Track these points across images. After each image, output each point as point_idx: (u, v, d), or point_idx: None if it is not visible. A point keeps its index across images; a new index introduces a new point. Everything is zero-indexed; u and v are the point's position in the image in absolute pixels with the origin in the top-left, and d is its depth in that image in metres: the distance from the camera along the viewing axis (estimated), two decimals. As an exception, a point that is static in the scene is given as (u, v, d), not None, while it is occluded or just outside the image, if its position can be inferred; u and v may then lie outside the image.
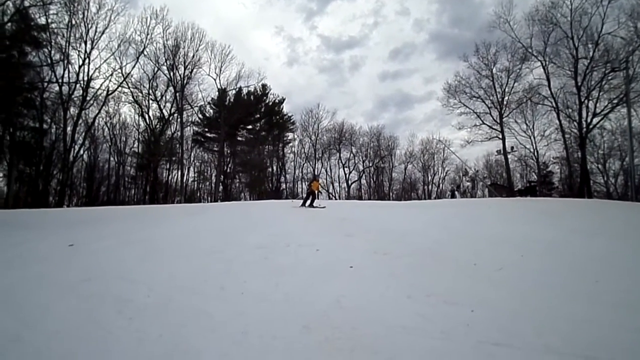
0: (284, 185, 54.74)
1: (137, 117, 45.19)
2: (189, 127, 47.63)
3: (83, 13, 34.16)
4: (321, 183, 22.65)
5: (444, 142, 53.33)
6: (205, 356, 3.81)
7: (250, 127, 55.16)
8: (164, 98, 42.87)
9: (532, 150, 42.04)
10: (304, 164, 54.91)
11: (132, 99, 41.79)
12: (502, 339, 4.03)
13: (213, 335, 4.23)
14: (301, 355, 3.82)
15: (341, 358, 3.76)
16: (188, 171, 48.96)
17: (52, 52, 33.01)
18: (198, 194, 52.71)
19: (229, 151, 52.13)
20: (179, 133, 43.31)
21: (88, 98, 35.89)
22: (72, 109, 35.36)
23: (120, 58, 37.86)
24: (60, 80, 33.67)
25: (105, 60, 36.55)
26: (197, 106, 46.53)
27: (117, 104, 43.28)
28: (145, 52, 39.10)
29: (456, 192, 47.96)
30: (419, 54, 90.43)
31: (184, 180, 44.87)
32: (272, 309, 4.99)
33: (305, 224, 12.57)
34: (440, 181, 56.45)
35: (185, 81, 41.31)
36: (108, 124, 44.70)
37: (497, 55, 38.73)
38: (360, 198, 50.36)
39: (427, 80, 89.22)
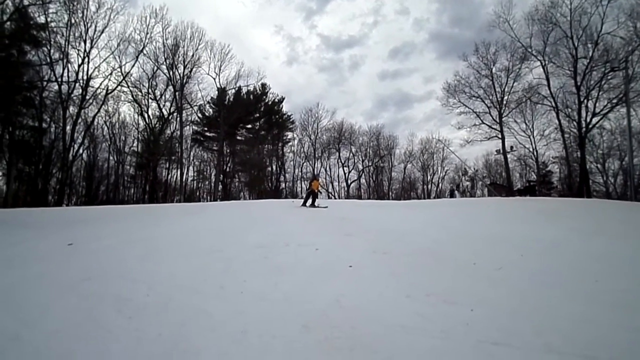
0: (283, 185, 54.79)
1: (136, 116, 45.20)
2: (188, 127, 47.58)
3: (82, 12, 34.13)
4: (321, 182, 22.36)
5: (444, 141, 53.43)
6: (204, 355, 3.81)
7: (249, 126, 55.12)
8: (163, 97, 42.81)
9: (531, 149, 42.12)
10: (303, 163, 54.95)
11: (131, 98, 41.71)
12: (501, 338, 4.04)
13: (212, 334, 4.23)
14: (301, 354, 3.83)
15: (340, 357, 3.76)
16: (187, 170, 48.89)
17: (52, 51, 32.95)
18: (197, 193, 52.63)
19: (228, 150, 52.08)
20: (179, 132, 43.21)
21: (87, 97, 35.84)
22: (71, 108, 35.34)
23: (119, 57, 37.82)
24: (59, 79, 33.62)
25: (104, 59, 36.51)
26: (196, 105, 46.47)
27: (116, 103, 43.27)
28: (144, 51, 39.05)
29: (456, 192, 47.97)
30: (418, 54, 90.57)
31: (184, 180, 44.74)
32: (271, 308, 4.99)
33: (304, 223, 12.57)
34: (440, 181, 56.52)
35: (184, 80, 41.21)
36: (107, 123, 44.67)
37: (496, 54, 38.74)
38: (359, 197, 50.40)
39: (427, 80, 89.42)
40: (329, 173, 54.58)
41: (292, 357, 3.77)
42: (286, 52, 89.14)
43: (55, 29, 32.15)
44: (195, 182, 53.63)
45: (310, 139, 54.61)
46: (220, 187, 49.59)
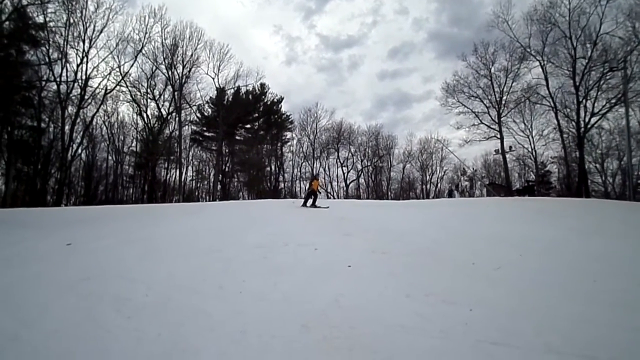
0: (282, 185, 54.74)
1: (135, 116, 45.17)
2: (187, 126, 47.59)
3: (81, 12, 34.09)
4: (320, 182, 22.19)
5: (443, 141, 53.47)
6: (204, 355, 3.81)
7: (248, 126, 55.07)
8: (162, 97, 42.77)
9: (530, 149, 42.21)
10: (302, 163, 54.91)
11: (130, 98, 41.70)
12: (500, 338, 4.05)
13: (212, 335, 4.23)
14: (300, 354, 3.83)
15: (340, 357, 3.77)
16: (186, 170, 48.97)
17: (50, 50, 32.93)
18: (196, 193, 52.59)
19: (227, 150, 52.04)
20: (177, 132, 43.17)
21: (86, 97, 35.82)
22: (70, 108, 35.29)
23: (118, 57, 37.79)
24: (58, 79, 33.58)
25: (103, 59, 36.49)
26: (195, 105, 46.43)
27: (115, 103, 43.19)
28: (143, 51, 39.01)
29: (455, 192, 47.98)
30: (417, 53, 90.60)
31: (182, 179, 44.81)
32: (270, 308, 5.00)
33: (303, 223, 12.57)
34: (439, 180, 56.56)
35: (183, 80, 41.17)
36: (106, 123, 44.59)
37: (495, 54, 38.84)
38: (358, 197, 50.36)
39: (426, 80, 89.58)
40: (328, 173, 54.61)
41: (291, 357, 3.77)
42: (285, 52, 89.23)
43: (54, 29, 32.16)
44: (194, 182, 53.66)
45: (309, 138, 54.65)
46: (219, 187, 49.58)
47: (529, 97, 37.73)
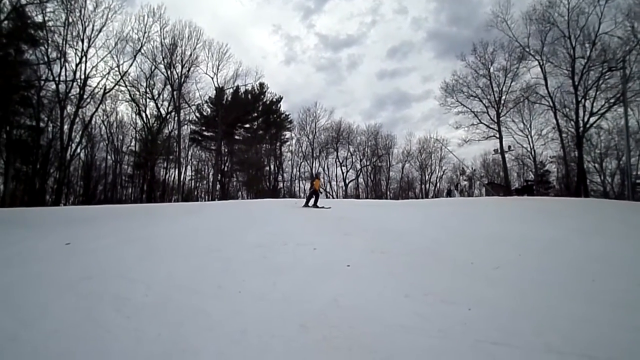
0: (281, 184, 54.75)
1: (134, 115, 45.16)
2: (186, 126, 47.58)
3: (80, 11, 33.98)
4: (321, 181, 21.97)
5: (442, 141, 53.45)
6: (203, 355, 3.81)
7: (247, 125, 55.05)
8: (161, 96, 42.79)
9: (529, 149, 42.27)
10: (301, 163, 54.92)
11: (129, 98, 41.71)
12: (500, 338, 4.05)
13: (211, 334, 4.24)
14: (299, 354, 3.83)
15: (339, 357, 3.77)
16: (185, 170, 49.01)
17: (49, 50, 32.85)
18: (195, 193, 52.56)
19: (226, 150, 52.02)
20: (176, 132, 43.17)
21: (85, 96, 35.74)
22: (69, 107, 35.22)
23: (117, 56, 37.72)
24: (57, 79, 33.51)
25: (102, 59, 36.43)
26: (194, 105, 46.39)
27: (114, 103, 43.17)
28: (142, 51, 38.94)
29: (455, 191, 48.05)
30: (416, 53, 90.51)
31: (181, 179, 44.81)
32: (270, 307, 5.00)
33: (303, 223, 12.57)
34: (438, 180, 56.61)
35: (182, 80, 41.10)
36: (105, 123, 44.58)
37: (494, 54, 38.82)
38: (357, 197, 50.35)
39: (425, 79, 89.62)
40: (327, 172, 54.60)
41: (290, 357, 3.78)
42: (284, 51, 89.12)
43: (52, 28, 32.07)
44: (193, 181, 53.65)
45: (308, 138, 54.61)
46: (218, 186, 49.57)
47: (527, 97, 37.75)
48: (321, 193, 20.09)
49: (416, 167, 56.37)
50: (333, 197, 49.01)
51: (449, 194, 41.17)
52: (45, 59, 32.55)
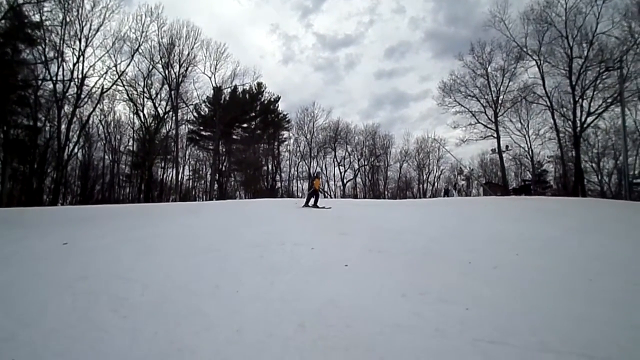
0: (279, 184, 54.77)
1: (131, 115, 45.04)
2: (184, 126, 47.59)
3: (77, 10, 33.85)
4: (321, 181, 21.64)
5: (439, 140, 53.62)
6: (200, 354, 3.81)
7: (245, 125, 55.08)
8: (158, 96, 42.70)
9: (526, 149, 42.35)
10: (299, 163, 55.02)
11: (126, 97, 41.61)
12: (498, 337, 4.06)
13: (208, 334, 4.23)
14: (296, 353, 3.83)
15: (336, 356, 3.77)
16: (183, 169, 48.93)
17: (46, 49, 32.69)
18: (193, 192, 52.54)
19: (224, 149, 52.04)
20: (174, 131, 43.13)
21: (82, 96, 35.59)
22: (66, 107, 35.04)
23: (114, 56, 37.50)
24: (54, 78, 33.36)
25: (99, 58, 36.24)
26: (192, 104, 46.31)
27: (111, 102, 43.14)
28: (140, 50, 38.76)
29: (454, 191, 48.11)
30: (414, 52, 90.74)
31: (179, 179, 44.68)
32: (267, 307, 5.00)
33: (300, 222, 12.56)
34: (436, 180, 56.67)
35: (180, 79, 41.04)
36: (102, 122, 44.57)
37: (492, 54, 38.86)
38: (355, 196, 50.40)
39: (423, 79, 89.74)
40: (324, 172, 54.61)
41: (287, 356, 3.77)
42: (282, 51, 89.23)
43: (50, 28, 31.97)
44: (190, 181, 53.61)
45: (306, 138, 54.71)
46: (216, 186, 49.57)
47: (525, 97, 37.77)
48: (321, 193, 19.75)
49: (414, 167, 56.56)
50: (331, 197, 48.99)
51: (447, 193, 41.12)
52: (43, 58, 32.44)
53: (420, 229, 11.17)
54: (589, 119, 33.32)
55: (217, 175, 50.16)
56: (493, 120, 38.96)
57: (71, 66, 34.62)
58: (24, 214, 16.26)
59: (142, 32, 38.27)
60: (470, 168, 54.37)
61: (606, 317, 4.62)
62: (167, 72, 40.93)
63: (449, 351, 3.84)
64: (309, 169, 52.61)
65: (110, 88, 38.44)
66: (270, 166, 55.23)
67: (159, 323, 4.49)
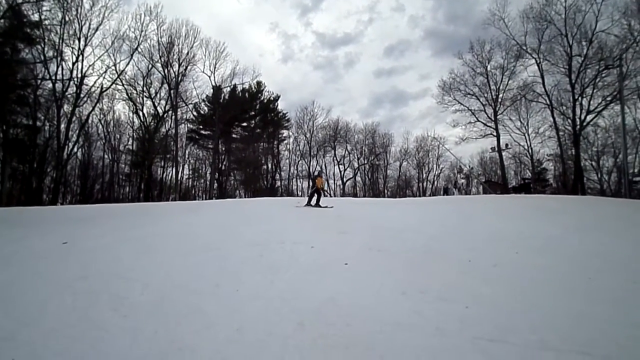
0: (279, 183, 54.79)
1: (131, 114, 45.10)
2: (183, 125, 47.59)
3: (76, 10, 33.84)
4: (323, 180, 21.20)
5: (439, 139, 53.60)
6: (200, 353, 3.81)
7: (245, 124, 55.11)
8: (158, 95, 42.71)
9: (526, 147, 42.29)
10: (299, 162, 55.07)
11: (126, 96, 41.66)
12: (497, 335, 4.06)
13: (208, 333, 4.23)
14: (296, 351, 3.83)
15: (336, 354, 3.77)
16: (182, 168, 48.95)
17: (46, 49, 32.67)
18: (193, 192, 52.55)
19: (223, 148, 52.06)
20: (174, 130, 43.19)
21: (82, 95, 35.61)
22: (65, 106, 35.03)
23: (114, 55, 37.51)
24: (53, 78, 33.36)
25: (99, 57, 36.22)
26: (191, 103, 46.31)
27: (111, 101, 43.31)
28: (139, 49, 38.80)
29: (454, 189, 48.13)
30: (413, 51, 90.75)
31: (179, 178, 44.72)
32: (267, 306, 4.99)
33: (300, 221, 12.56)
34: (435, 178, 56.72)
35: (179, 78, 41.06)
36: (102, 122, 44.64)
37: (491, 52, 38.89)
38: (355, 195, 50.42)
39: (422, 77, 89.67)
40: (324, 171, 54.60)
41: (287, 355, 3.77)
42: (281, 49, 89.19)
43: (49, 27, 31.96)
44: (190, 180, 53.63)
45: (305, 137, 54.79)
46: (216, 185, 49.59)
47: (525, 95, 37.80)
48: (323, 191, 19.43)
49: (413, 166, 56.62)
50: (330, 196, 49.00)
51: (446, 191, 41.16)
52: (42, 57, 32.42)
53: (420, 227, 11.17)
54: (589, 117, 33.46)
55: (217, 174, 50.21)
56: (493, 118, 39.01)
57: (70, 65, 34.69)
58: (24, 213, 16.27)
59: (142, 31, 38.33)
60: (469, 166, 54.41)
61: (606, 315, 4.62)
62: (166, 71, 40.96)
63: (448, 349, 3.84)
64: (309, 168, 52.69)
65: (109, 87, 38.59)
66: (269, 165, 55.33)
67: (159, 322, 4.49)
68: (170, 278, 6.22)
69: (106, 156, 46.40)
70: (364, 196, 48.78)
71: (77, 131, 38.42)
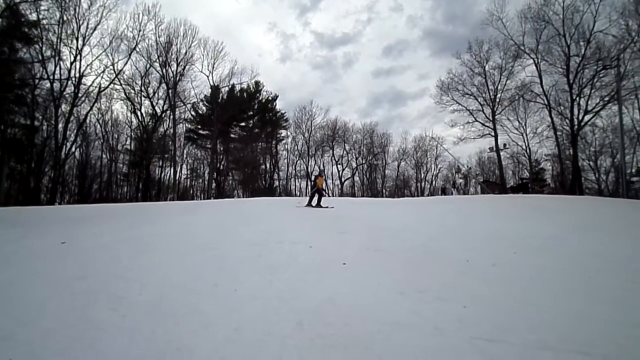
0: (277, 183, 54.77)
1: (129, 114, 45.09)
2: (181, 124, 47.52)
3: (74, 9, 33.80)
4: (324, 179, 20.97)
5: (437, 139, 53.56)
6: (198, 353, 3.81)
7: (243, 124, 55.09)
8: (156, 95, 42.63)
9: (524, 147, 42.28)
10: (297, 161, 55.10)
11: (124, 96, 41.58)
12: (496, 335, 4.06)
13: (206, 332, 4.23)
14: (294, 351, 3.83)
15: (334, 354, 3.77)
16: (181, 168, 48.88)
17: (43, 48, 32.60)
18: (191, 191, 52.55)
19: (221, 148, 52.00)
20: (172, 130, 43.17)
21: (80, 95, 35.58)
22: (63, 106, 35.05)
23: (112, 54, 37.49)
24: (51, 77, 33.30)
25: (97, 57, 36.18)
26: (189, 103, 46.24)
27: (109, 101, 43.29)
28: (137, 49, 38.73)
29: (452, 189, 48.22)
30: (412, 51, 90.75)
31: (177, 178, 44.69)
32: (265, 305, 4.99)
33: (298, 221, 12.56)
34: (433, 178, 56.78)
35: (177, 78, 41.01)
36: (100, 121, 44.62)
37: (489, 52, 38.98)
38: (353, 195, 50.45)
39: (421, 77, 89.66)
40: (323, 171, 54.60)
41: (285, 354, 3.77)
42: (280, 49, 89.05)
43: (47, 27, 31.84)
44: (188, 180, 53.59)
45: (304, 136, 54.80)
46: (214, 185, 49.53)
47: (522, 95, 37.90)
48: (324, 191, 19.19)
49: (412, 165, 56.68)
50: (329, 196, 48.99)
51: (444, 191, 41.28)
52: (40, 57, 32.37)
53: (418, 227, 11.18)
54: (587, 117, 33.53)
55: (215, 174, 50.16)
56: (491, 118, 39.05)
57: (68, 65, 34.67)
58: (22, 213, 16.24)
59: (140, 30, 38.31)
60: (468, 166, 54.46)
61: (605, 315, 4.63)
62: (164, 70, 40.94)
63: (447, 349, 3.85)
64: (307, 168, 52.76)
65: (107, 87, 38.56)
66: (268, 165, 55.34)
67: (157, 322, 4.49)
68: (169, 278, 6.22)
69: (104, 156, 46.45)
70: (362, 196, 48.79)
71: (75, 131, 38.40)
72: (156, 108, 42.91)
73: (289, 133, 56.63)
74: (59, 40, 33.25)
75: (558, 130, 35.93)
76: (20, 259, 7.58)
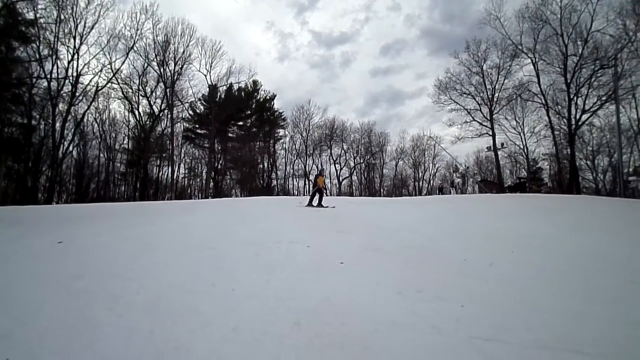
0: (275, 182, 54.75)
1: (126, 113, 45.11)
2: (179, 124, 47.48)
3: (72, 8, 33.73)
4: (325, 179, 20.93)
5: (435, 138, 53.64)
6: (195, 352, 3.80)
7: (241, 123, 55.09)
8: (154, 94, 42.61)
9: (521, 146, 42.52)
10: (295, 161, 55.11)
11: (121, 95, 41.55)
12: (493, 334, 4.07)
13: (204, 332, 4.22)
14: (292, 351, 3.83)
15: (331, 353, 3.77)
16: (178, 167, 48.88)
17: (41, 47, 32.60)
18: (189, 191, 52.55)
19: (219, 147, 52.00)
20: (169, 129, 43.05)
21: (77, 94, 35.58)
22: (60, 105, 35.04)
23: (109, 53, 37.46)
24: (48, 76, 33.26)
25: (94, 56, 36.17)
26: (187, 102, 46.28)
27: (106, 100, 43.16)
28: (135, 48, 38.74)
29: (451, 189, 48.25)
30: (410, 50, 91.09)
31: (175, 177, 44.69)
32: (263, 305, 4.99)
33: (296, 220, 12.56)
34: (431, 178, 56.87)
35: (175, 77, 40.94)
36: (97, 120, 44.53)
37: (487, 52, 39.11)
38: (351, 194, 50.51)
39: (419, 76, 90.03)
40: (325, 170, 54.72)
41: (283, 354, 3.77)
42: (277, 48, 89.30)
43: (44, 25, 31.84)
44: (186, 179, 53.59)
45: (301, 136, 54.83)
46: (212, 184, 49.47)
47: (520, 94, 38.02)
48: (325, 191, 19.08)
49: (410, 165, 56.80)
50: (327, 195, 48.97)
51: (441, 191, 41.30)
52: (37, 56, 32.37)
53: (416, 226, 11.20)
54: (584, 117, 33.60)
55: (213, 173, 50.12)
56: (488, 118, 39.17)
57: (66, 64, 34.65)
58: (19, 212, 16.20)
59: (137, 29, 38.32)
60: (465, 166, 54.53)
61: (603, 314, 4.64)
62: (162, 70, 40.91)
63: (445, 348, 3.85)
64: (305, 167, 52.75)
65: (105, 86, 38.48)
66: (266, 164, 55.36)
67: (154, 321, 4.48)
68: (166, 277, 6.21)
69: (102, 155, 46.34)
70: (360, 195, 48.86)
71: (73, 130, 38.42)
72: (154, 107, 42.95)
73: (286, 132, 56.78)
74: (56, 39, 33.25)
75: (555, 130, 36.08)
76: (18, 258, 7.55)
